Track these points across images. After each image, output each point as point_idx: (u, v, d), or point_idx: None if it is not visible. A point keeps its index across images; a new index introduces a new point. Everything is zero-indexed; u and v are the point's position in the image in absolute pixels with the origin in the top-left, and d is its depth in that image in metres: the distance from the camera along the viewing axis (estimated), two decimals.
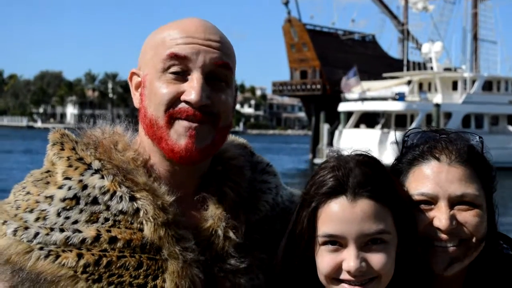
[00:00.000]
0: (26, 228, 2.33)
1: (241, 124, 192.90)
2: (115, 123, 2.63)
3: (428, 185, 2.51)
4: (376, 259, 2.29)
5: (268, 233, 2.63)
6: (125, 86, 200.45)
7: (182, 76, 2.43)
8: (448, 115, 64.97)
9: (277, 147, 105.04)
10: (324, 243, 2.33)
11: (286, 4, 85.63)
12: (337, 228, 2.29)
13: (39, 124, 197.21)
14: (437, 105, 61.51)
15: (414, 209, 2.49)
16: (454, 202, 2.49)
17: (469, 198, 2.48)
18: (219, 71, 2.46)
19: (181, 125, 2.41)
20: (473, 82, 69.29)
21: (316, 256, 2.37)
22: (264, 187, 2.74)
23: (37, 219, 2.35)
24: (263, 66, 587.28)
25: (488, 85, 70.43)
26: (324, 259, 2.33)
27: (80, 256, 2.30)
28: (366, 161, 2.39)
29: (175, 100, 2.42)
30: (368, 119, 67.50)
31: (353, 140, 59.46)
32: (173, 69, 2.42)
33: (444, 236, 2.47)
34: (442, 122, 62.35)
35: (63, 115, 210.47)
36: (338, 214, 2.30)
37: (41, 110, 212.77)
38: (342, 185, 2.32)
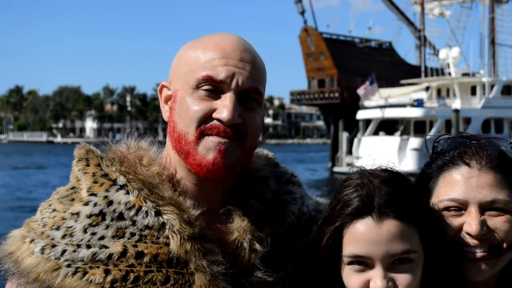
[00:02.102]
0: (53, 245, 2.34)
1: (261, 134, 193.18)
2: (140, 138, 2.64)
3: (458, 191, 2.50)
4: (403, 278, 2.30)
5: (294, 243, 2.62)
6: (143, 99, 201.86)
7: (214, 93, 2.44)
8: (468, 121, 64.60)
9: (296, 156, 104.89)
10: (350, 263, 2.33)
11: (302, 13, 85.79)
12: (363, 249, 2.29)
13: (58, 139, 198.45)
14: (456, 111, 61.14)
15: (443, 216, 2.49)
16: (484, 208, 2.47)
17: (500, 204, 2.47)
18: (251, 93, 2.47)
19: (210, 140, 2.41)
20: (492, 86, 68.88)
21: (342, 275, 2.38)
22: (289, 197, 2.73)
23: (64, 236, 2.35)
24: (280, 76, 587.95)
25: (507, 89, 69.95)
26: (352, 279, 2.33)
27: (107, 272, 2.30)
28: (391, 179, 2.38)
29: (207, 117, 2.42)
30: (387, 126, 67.23)
31: (372, 148, 59.31)
32: (206, 87, 2.43)
33: (474, 241, 2.46)
34: (461, 128, 61.99)
35: (82, 129, 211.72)
36: (364, 235, 2.30)
37: (60, 125, 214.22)
38: (367, 205, 2.31)
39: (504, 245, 2.46)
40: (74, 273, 2.30)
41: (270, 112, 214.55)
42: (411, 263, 2.31)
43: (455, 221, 2.48)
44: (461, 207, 2.49)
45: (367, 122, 68.17)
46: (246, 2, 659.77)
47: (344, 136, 71.73)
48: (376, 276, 2.28)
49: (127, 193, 2.41)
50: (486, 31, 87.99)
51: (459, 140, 2.66)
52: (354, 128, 70.83)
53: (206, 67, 2.43)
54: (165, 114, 2.58)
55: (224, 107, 2.39)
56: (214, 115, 2.41)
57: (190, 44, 2.56)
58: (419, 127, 65.36)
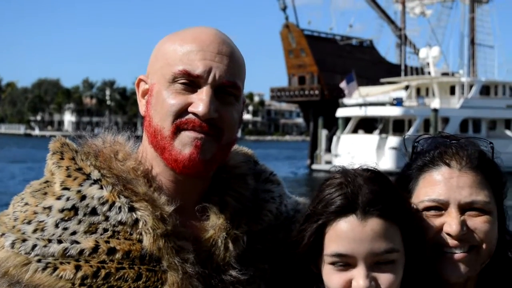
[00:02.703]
0: (24, 240, 2.29)
1: (239, 130, 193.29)
2: (116, 132, 2.60)
3: (438, 191, 2.49)
4: (385, 278, 2.28)
5: (271, 242, 2.59)
6: (123, 93, 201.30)
7: (191, 86, 2.40)
8: (446, 120, 64.95)
9: (275, 153, 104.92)
10: (332, 262, 2.30)
11: (284, 10, 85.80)
12: (347, 248, 2.27)
13: (36, 131, 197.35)
14: (435, 110, 61.49)
15: (423, 216, 2.47)
16: (464, 208, 2.46)
17: (480, 204, 2.46)
18: (228, 87, 2.44)
19: (187, 135, 2.38)
20: (471, 86, 69.25)
21: (323, 274, 2.35)
22: (267, 196, 2.70)
23: (35, 231, 2.31)
24: (261, 72, 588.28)
25: (485, 90, 70.43)
26: (333, 279, 2.31)
27: (78, 268, 2.26)
28: (374, 178, 2.36)
29: (182, 111, 2.39)
30: (366, 125, 67.47)
31: (351, 146, 59.56)
32: (182, 80, 2.39)
33: (454, 242, 2.45)
34: (439, 127, 62.35)
35: (60, 123, 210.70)
36: (348, 234, 2.27)
37: (38, 117, 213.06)
38: (351, 204, 2.29)
39: (484, 246, 2.45)
40: (44, 269, 2.26)
41: (250, 108, 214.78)
42: (394, 262, 2.30)
43: (435, 222, 2.47)
44: (441, 207, 2.48)
45: (347, 120, 68.37)
46: None
47: (323, 133, 71.90)
48: (358, 275, 2.26)
49: (101, 188, 2.37)
50: (466, 31, 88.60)
51: (439, 140, 2.64)
52: (333, 125, 71.02)
53: (183, 61, 2.39)
54: (142, 109, 2.54)
55: (200, 101, 2.36)
56: (190, 109, 2.37)
57: (168, 37, 2.52)
58: (398, 126, 65.69)
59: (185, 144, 2.37)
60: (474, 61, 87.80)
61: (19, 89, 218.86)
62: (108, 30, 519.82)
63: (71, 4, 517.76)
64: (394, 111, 64.42)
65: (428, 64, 74.97)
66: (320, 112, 76.82)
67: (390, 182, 2.41)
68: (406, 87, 72.82)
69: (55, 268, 2.26)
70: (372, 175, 2.37)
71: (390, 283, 2.27)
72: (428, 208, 2.49)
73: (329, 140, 69.52)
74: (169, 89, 2.40)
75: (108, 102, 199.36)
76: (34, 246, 2.28)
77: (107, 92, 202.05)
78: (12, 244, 2.29)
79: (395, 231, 2.31)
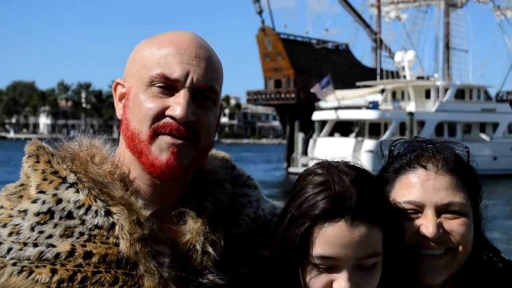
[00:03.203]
0: None
1: (216, 134, 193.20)
2: (93, 136, 2.58)
3: (415, 193, 2.51)
4: (367, 281, 2.28)
5: (248, 247, 2.58)
6: (98, 96, 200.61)
7: (168, 90, 2.39)
8: (422, 124, 65.40)
9: (251, 156, 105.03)
10: (317, 264, 2.28)
11: (260, 13, 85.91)
12: (333, 252, 2.24)
13: (11, 134, 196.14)
14: (411, 114, 61.93)
15: (401, 218, 2.48)
16: (440, 210, 2.48)
17: (456, 206, 2.49)
18: (206, 91, 2.43)
19: (164, 141, 2.37)
20: (446, 90, 69.85)
21: (304, 273, 2.33)
22: (244, 200, 2.69)
23: (10, 234, 2.29)
24: (237, 75, 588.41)
25: (460, 93, 71.04)
26: (315, 280, 2.29)
27: (54, 271, 2.24)
28: (360, 179, 2.34)
29: (160, 115, 2.38)
30: (342, 128, 67.77)
31: (327, 149, 59.62)
32: (160, 84, 2.39)
33: (430, 244, 2.47)
34: (415, 131, 62.73)
35: (36, 125, 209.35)
36: (336, 238, 2.25)
37: (13, 120, 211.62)
38: (339, 208, 2.25)
39: (460, 248, 2.47)
40: (19, 272, 2.24)
41: (226, 111, 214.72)
42: (375, 265, 2.30)
43: (411, 224, 2.48)
44: (418, 209, 2.49)
45: (323, 123, 68.64)
46: (204, 0, 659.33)
47: (299, 136, 72.07)
48: (341, 278, 2.24)
49: (77, 191, 2.36)
50: (441, 35, 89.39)
51: (415, 144, 2.66)
52: (309, 129, 71.22)
53: (160, 64, 2.39)
54: (119, 112, 2.53)
55: (177, 104, 2.35)
56: (167, 112, 2.36)
57: (146, 41, 2.51)
58: (374, 129, 66.04)
59: (162, 150, 2.36)
60: (449, 65, 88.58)
61: None
62: (83, 32, 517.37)
63: (46, 6, 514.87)
64: (370, 115, 64.77)
65: (403, 67, 75.47)
66: (297, 115, 77.05)
67: (375, 182, 2.41)
68: (382, 91, 73.29)
69: (31, 272, 2.24)
70: (357, 175, 2.35)
71: (371, 286, 2.28)
72: (404, 210, 2.51)
73: (306, 143, 69.69)
74: (146, 92, 2.39)
75: (84, 105, 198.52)
76: (10, 249, 2.26)
77: (83, 95, 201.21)
78: None
79: (379, 234, 2.30)
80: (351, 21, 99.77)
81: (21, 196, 2.38)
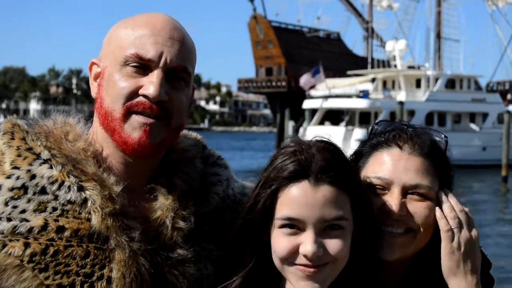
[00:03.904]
0: None
1: (206, 121, 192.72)
2: (68, 114, 2.64)
3: (385, 170, 2.57)
4: (333, 244, 2.31)
5: (217, 224, 2.66)
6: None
7: (142, 70, 2.45)
8: (412, 113, 65.14)
9: (242, 144, 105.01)
10: (282, 226, 2.33)
11: (252, 1, 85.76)
12: (298, 212, 2.30)
13: (1, 119, 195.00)
14: (401, 103, 61.68)
15: (368, 192, 2.53)
16: (407, 190, 2.54)
17: (423, 189, 2.54)
18: (179, 71, 2.50)
19: (136, 120, 2.44)
20: (436, 80, 69.63)
21: (271, 238, 2.38)
22: (214, 179, 2.76)
23: None
24: (228, 63, 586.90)
25: (451, 83, 70.80)
26: (281, 242, 2.34)
27: (27, 245, 2.32)
28: (327, 148, 2.41)
29: (133, 94, 2.44)
30: (333, 117, 67.64)
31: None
32: (134, 64, 2.45)
33: (392, 221, 2.53)
34: (405, 120, 62.58)
35: (26, 111, 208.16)
36: (299, 198, 2.31)
37: (3, 105, 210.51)
38: (304, 170, 2.33)
39: (421, 230, 2.53)
40: None
41: (217, 99, 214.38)
42: (342, 230, 2.34)
43: (378, 199, 2.54)
44: (385, 186, 2.55)
45: (313, 111, 68.52)
46: None
47: (290, 125, 71.95)
48: (307, 240, 2.29)
49: (51, 167, 2.42)
50: (433, 25, 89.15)
51: (397, 125, 2.72)
52: (300, 117, 71.15)
53: (135, 44, 2.45)
54: (94, 91, 2.59)
55: (150, 84, 2.42)
56: (141, 91, 2.43)
57: (121, 22, 2.58)
58: (364, 118, 65.93)
59: (134, 128, 2.43)
60: (440, 55, 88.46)
61: None
62: (74, 18, 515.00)
63: None
64: (361, 103, 64.67)
65: (394, 57, 75.28)
66: (287, 104, 76.87)
67: (342, 153, 2.47)
68: (373, 80, 73.14)
69: (4, 245, 2.31)
70: (326, 145, 2.42)
71: (338, 250, 2.31)
72: (373, 185, 2.57)
73: (296, 132, 69.43)
74: (121, 72, 2.46)
75: (75, 91, 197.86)
76: None
77: (74, 81, 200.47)
78: None
79: (345, 199, 2.35)
80: (343, 9, 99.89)
81: None
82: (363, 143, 2.75)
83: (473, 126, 69.80)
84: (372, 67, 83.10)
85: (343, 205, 2.34)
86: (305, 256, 2.29)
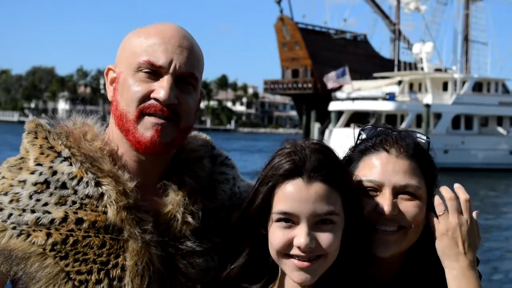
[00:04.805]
0: (1, 209, 2.56)
1: (233, 122, 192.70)
2: (86, 116, 2.86)
3: (376, 173, 2.74)
4: (325, 238, 2.49)
5: (223, 219, 2.85)
6: None
7: (154, 75, 2.66)
8: (438, 116, 64.69)
9: (269, 145, 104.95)
10: (278, 220, 2.52)
11: (279, 2, 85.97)
12: (292, 207, 2.49)
13: (30, 119, 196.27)
14: (427, 106, 61.37)
15: (361, 195, 2.70)
16: (397, 191, 2.72)
17: (412, 189, 2.72)
18: (187, 77, 2.70)
19: (149, 121, 2.64)
20: (463, 83, 68.90)
21: (269, 232, 2.57)
22: (221, 178, 2.97)
23: (11, 201, 2.58)
24: (255, 64, 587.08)
25: (478, 86, 70.07)
26: (277, 235, 2.52)
27: (49, 235, 2.53)
28: (320, 149, 2.60)
29: (145, 97, 2.65)
30: (359, 119, 67.31)
31: (343, 139, 59.42)
32: (146, 70, 2.66)
33: (385, 220, 2.70)
34: (432, 123, 62.41)
35: (54, 111, 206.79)
36: (294, 194, 2.50)
37: (32, 105, 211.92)
38: (299, 168, 2.52)
39: (412, 227, 2.71)
40: (18, 235, 2.53)
41: (244, 100, 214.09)
42: (333, 224, 2.52)
43: (370, 201, 2.71)
44: (377, 188, 2.73)
45: (339, 113, 68.35)
46: None
47: (316, 126, 71.98)
48: (300, 233, 2.48)
49: (70, 164, 2.64)
50: (460, 28, 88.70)
51: (381, 130, 2.90)
52: (326, 119, 71.14)
53: (147, 52, 2.66)
54: (110, 94, 2.80)
55: (161, 88, 2.62)
56: (152, 95, 2.63)
57: (135, 31, 2.78)
58: (390, 120, 65.46)
59: (147, 128, 2.64)
60: (467, 58, 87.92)
61: (14, 77, 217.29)
62: (103, 19, 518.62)
63: None
64: (387, 106, 64.27)
65: (421, 59, 74.76)
66: (313, 105, 77.02)
67: (335, 154, 2.64)
68: (399, 82, 72.68)
69: (28, 235, 2.53)
70: (319, 147, 2.61)
71: (330, 243, 2.49)
72: (365, 189, 2.76)
73: (322, 134, 69.49)
74: (134, 77, 2.66)
75: (102, 91, 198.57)
76: (10, 215, 2.55)
77: (101, 81, 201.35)
78: None
79: (337, 197, 2.54)
80: (370, 11, 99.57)
81: (20, 168, 2.67)
82: (352, 149, 2.91)
83: (500, 129, 69.13)
84: (399, 69, 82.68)
85: (334, 201, 2.52)
86: (299, 247, 2.48)
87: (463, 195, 2.71)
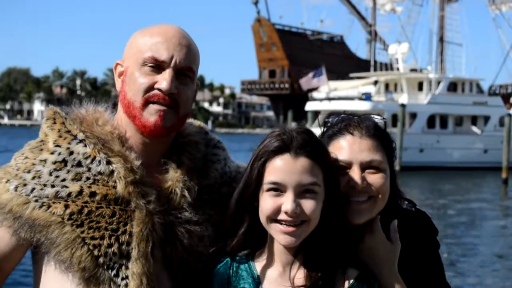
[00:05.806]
0: (25, 185, 2.93)
1: (210, 123, 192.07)
2: (97, 104, 3.25)
3: (344, 154, 3.12)
4: (308, 205, 2.87)
5: (216, 194, 3.26)
6: (93, 84, 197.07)
7: (157, 69, 3.05)
8: (414, 116, 64.94)
9: (248, 146, 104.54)
10: (269, 190, 2.90)
11: (256, 3, 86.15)
12: (280, 177, 2.87)
13: (5, 120, 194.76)
14: (403, 106, 61.17)
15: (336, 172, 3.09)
16: (364, 166, 3.11)
17: (376, 163, 3.11)
18: (186, 71, 3.10)
19: (153, 107, 3.03)
20: (438, 83, 69.31)
21: (260, 201, 2.94)
22: (214, 158, 3.37)
23: (33, 178, 2.95)
24: (232, 65, 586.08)
25: (453, 86, 70.17)
26: (267, 202, 2.90)
27: (66, 206, 2.91)
28: (305, 131, 2.99)
29: (150, 88, 3.03)
30: None
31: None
32: (151, 64, 3.05)
33: (357, 192, 3.08)
34: (407, 122, 62.75)
35: (30, 112, 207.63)
36: (282, 167, 2.88)
37: (8, 106, 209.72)
38: (287, 145, 2.90)
39: (380, 196, 3.11)
40: (40, 207, 2.90)
41: (221, 101, 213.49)
42: (315, 194, 2.90)
43: (343, 178, 3.09)
44: (347, 166, 3.13)
45: (316, 113, 68.22)
46: None
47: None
48: (287, 200, 2.85)
49: (85, 146, 3.01)
50: (435, 29, 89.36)
51: (344, 116, 3.28)
52: (302, 119, 71.26)
53: (152, 49, 3.05)
54: (118, 86, 3.19)
55: (164, 80, 3.01)
56: (156, 86, 3.02)
57: (141, 31, 3.18)
58: None
59: (151, 114, 3.02)
60: (442, 58, 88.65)
61: None
62: (79, 19, 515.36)
63: None
64: (363, 106, 63.85)
65: (397, 60, 74.91)
66: (290, 106, 77.16)
67: (316, 136, 3.04)
68: (375, 82, 72.67)
69: (49, 206, 2.90)
70: (304, 130, 3.00)
71: (312, 209, 2.87)
72: (337, 167, 3.16)
73: None
74: (140, 71, 3.05)
75: (79, 92, 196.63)
76: (33, 189, 2.92)
77: (78, 82, 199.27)
78: (16, 188, 2.93)
79: (318, 170, 2.92)
80: (346, 12, 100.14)
81: (41, 149, 3.05)
82: (321, 135, 3.27)
83: (474, 129, 69.38)
84: (375, 70, 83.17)
85: (316, 174, 2.91)
86: (286, 212, 2.85)
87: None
